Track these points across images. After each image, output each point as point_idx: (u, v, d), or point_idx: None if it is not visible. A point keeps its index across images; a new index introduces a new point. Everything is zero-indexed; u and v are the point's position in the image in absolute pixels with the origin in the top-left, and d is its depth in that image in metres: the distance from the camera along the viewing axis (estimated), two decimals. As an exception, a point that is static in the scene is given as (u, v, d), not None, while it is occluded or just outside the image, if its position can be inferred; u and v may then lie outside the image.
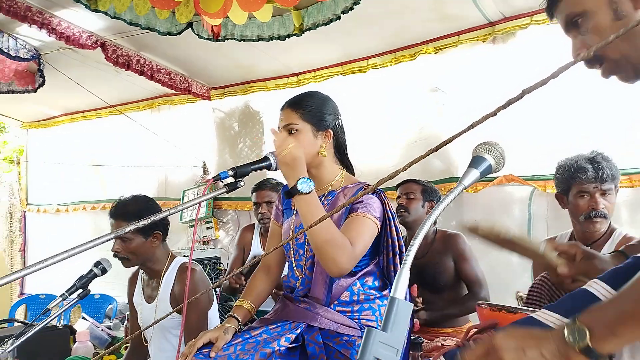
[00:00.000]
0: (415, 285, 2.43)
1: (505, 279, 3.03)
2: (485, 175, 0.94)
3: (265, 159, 1.51)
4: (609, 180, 1.97)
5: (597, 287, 0.85)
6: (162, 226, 2.20)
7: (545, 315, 0.87)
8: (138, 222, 1.11)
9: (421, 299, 2.45)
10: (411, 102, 3.57)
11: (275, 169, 1.52)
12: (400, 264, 1.70)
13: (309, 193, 1.52)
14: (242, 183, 1.42)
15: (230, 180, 1.41)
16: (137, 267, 2.33)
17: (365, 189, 1.69)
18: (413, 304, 2.36)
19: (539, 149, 2.99)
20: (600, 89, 2.83)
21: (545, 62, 2.70)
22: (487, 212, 3.26)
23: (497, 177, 3.15)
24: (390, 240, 1.69)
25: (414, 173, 3.51)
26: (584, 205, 2.01)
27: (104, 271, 1.85)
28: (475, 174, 0.92)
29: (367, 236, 1.62)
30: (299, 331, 1.56)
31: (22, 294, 5.40)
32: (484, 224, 1.16)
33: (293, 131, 1.70)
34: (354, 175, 1.86)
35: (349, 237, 1.56)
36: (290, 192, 1.54)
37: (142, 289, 2.30)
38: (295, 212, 1.79)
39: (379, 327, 0.76)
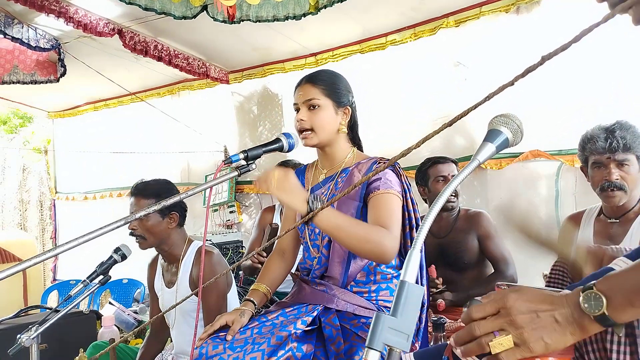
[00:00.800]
0: (433, 266, 2.40)
1: (532, 257, 2.95)
2: (502, 150, 0.89)
3: (277, 140, 1.48)
4: (621, 150, 1.87)
5: (623, 265, 0.80)
6: (180, 209, 2.21)
7: (567, 296, 0.82)
8: (159, 202, 1.14)
9: (441, 279, 2.39)
10: (431, 78, 3.47)
11: (288, 151, 1.49)
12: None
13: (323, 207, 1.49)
14: (253, 166, 1.40)
15: (242, 163, 1.39)
16: (156, 254, 2.35)
17: (379, 162, 1.65)
18: (433, 285, 2.34)
19: (566, 122, 2.88)
20: (631, 58, 2.70)
21: (573, 31, 2.58)
22: (512, 189, 3.17)
23: (523, 152, 3.06)
24: (407, 213, 1.65)
25: (435, 152, 3.45)
26: (598, 176, 1.94)
27: (123, 257, 1.86)
28: (490, 148, 0.87)
29: (397, 212, 1.58)
30: (315, 314, 1.54)
31: (54, 280, 5.55)
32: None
33: (315, 107, 1.66)
34: (362, 151, 1.82)
35: (381, 220, 1.52)
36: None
37: (162, 274, 2.32)
38: (309, 192, 1.76)
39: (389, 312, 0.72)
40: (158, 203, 1.22)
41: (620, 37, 2.64)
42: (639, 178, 1.90)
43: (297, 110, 1.72)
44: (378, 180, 1.60)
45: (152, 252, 2.39)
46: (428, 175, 2.63)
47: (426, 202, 2.75)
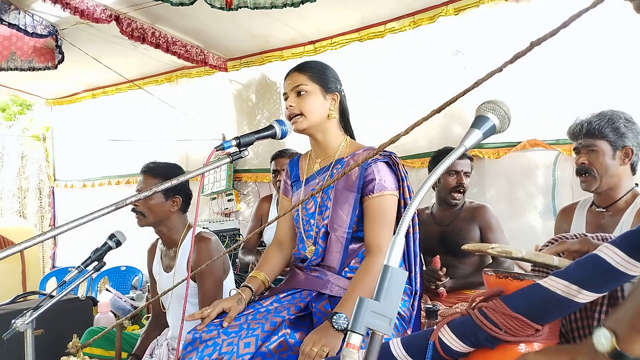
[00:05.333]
0: (438, 257, 2.43)
1: (528, 246, 2.96)
2: (489, 136, 0.89)
3: (270, 127, 1.48)
4: (584, 135, 1.92)
5: (608, 252, 0.80)
6: (184, 195, 2.23)
7: (552, 282, 0.83)
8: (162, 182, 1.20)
9: (445, 270, 2.41)
10: (430, 67, 3.45)
11: (280, 138, 1.49)
12: (412, 226, 1.69)
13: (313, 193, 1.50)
14: (246, 152, 1.39)
15: (235, 149, 1.39)
16: (156, 239, 2.37)
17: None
18: (436, 277, 2.37)
19: (564, 111, 2.86)
20: (631, 47, 2.69)
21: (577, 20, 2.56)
22: (509, 178, 3.17)
23: (520, 142, 3.05)
24: (402, 201, 1.68)
25: (433, 142, 3.44)
26: (575, 162, 1.99)
27: (118, 244, 1.86)
28: (477, 134, 0.87)
29: (391, 214, 1.63)
30: (308, 299, 1.55)
31: (53, 267, 5.57)
32: (497, 247, 1.12)
33: (302, 92, 1.68)
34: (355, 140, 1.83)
35: (375, 235, 1.58)
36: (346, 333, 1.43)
37: (161, 258, 2.34)
38: (303, 183, 1.77)
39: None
40: (158, 185, 1.23)
41: (621, 26, 2.62)
42: (613, 165, 1.91)
43: (287, 98, 1.73)
44: (373, 182, 1.63)
45: (150, 239, 2.41)
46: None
47: (434, 189, 2.76)
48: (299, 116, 1.68)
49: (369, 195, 1.63)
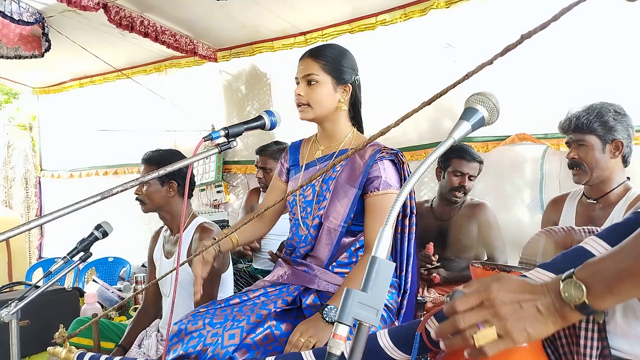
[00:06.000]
0: (431, 243, 2.49)
1: (519, 240, 2.99)
2: (478, 128, 0.88)
3: (259, 118, 1.47)
4: (572, 129, 1.96)
5: (594, 245, 0.80)
6: (180, 179, 2.26)
7: (539, 275, 0.83)
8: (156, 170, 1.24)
9: (437, 256, 2.49)
10: (421, 60, 3.45)
11: (270, 129, 1.48)
12: (409, 226, 1.68)
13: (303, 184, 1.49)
14: (234, 143, 1.38)
15: (223, 140, 1.38)
16: (160, 226, 2.44)
17: (383, 151, 1.65)
18: (428, 261, 2.44)
19: (552, 106, 2.88)
20: (619, 43, 2.70)
21: (565, 15, 2.57)
22: (498, 172, 3.19)
23: (509, 135, 3.07)
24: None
25: (423, 135, 3.45)
26: (567, 156, 2.02)
27: (104, 234, 1.84)
28: (466, 126, 0.86)
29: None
30: (296, 294, 1.55)
31: (40, 257, 5.52)
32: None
33: (313, 82, 1.65)
34: (363, 133, 1.80)
35: (377, 228, 1.52)
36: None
37: (163, 245, 2.38)
38: (303, 168, 1.75)
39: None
40: (148, 174, 1.24)
41: (609, 18, 2.63)
42: (603, 159, 1.93)
43: (298, 83, 1.70)
44: (378, 179, 1.61)
45: (141, 230, 2.41)
46: (450, 163, 2.69)
47: (438, 180, 2.83)
48: (306, 106, 1.66)
49: (373, 192, 1.61)
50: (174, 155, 2.31)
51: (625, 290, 0.71)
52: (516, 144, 3.09)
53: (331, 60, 1.66)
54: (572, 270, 0.74)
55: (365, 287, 0.71)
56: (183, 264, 1.69)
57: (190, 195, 2.33)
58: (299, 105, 1.67)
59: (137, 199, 2.26)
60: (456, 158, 2.66)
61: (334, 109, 1.68)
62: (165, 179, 2.23)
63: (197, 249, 1.58)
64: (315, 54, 1.68)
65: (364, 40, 3.64)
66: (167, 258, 2.30)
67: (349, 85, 1.69)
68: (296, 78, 1.70)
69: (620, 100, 2.02)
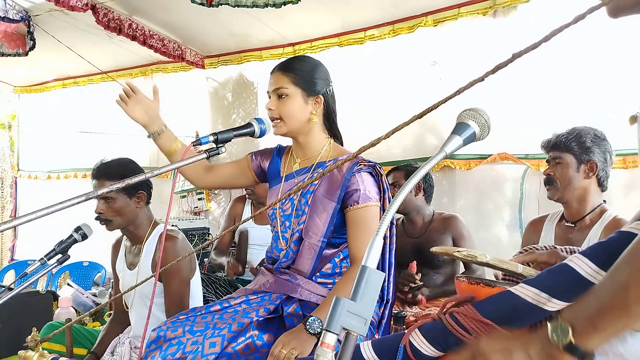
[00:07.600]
0: (414, 262, 2.48)
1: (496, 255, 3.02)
2: (469, 143, 0.90)
3: (249, 125, 1.47)
4: (551, 147, 2.04)
5: (578, 262, 0.82)
6: (147, 187, 2.17)
7: (523, 290, 0.84)
8: (123, 180, 1.13)
9: (420, 275, 2.48)
10: (408, 76, 3.50)
11: (259, 136, 1.48)
12: (389, 236, 1.69)
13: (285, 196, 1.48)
14: (223, 149, 1.38)
15: (212, 145, 1.37)
16: (120, 235, 2.31)
17: (360, 164, 1.64)
18: (411, 280, 2.43)
19: (534, 127, 2.94)
20: (602, 65, 2.77)
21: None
22: (479, 190, 3.23)
23: (491, 154, 3.12)
24: (382, 213, 1.66)
25: (407, 151, 3.48)
26: (544, 172, 2.10)
27: (84, 237, 1.80)
28: (457, 141, 0.88)
29: (376, 224, 1.59)
30: (278, 302, 1.53)
31: (12, 259, 5.39)
32: (463, 251, 1.14)
33: (283, 96, 1.64)
34: (342, 144, 1.80)
35: (359, 246, 1.56)
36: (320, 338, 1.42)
37: (125, 255, 2.28)
38: (283, 179, 1.74)
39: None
40: (122, 182, 1.18)
41: (594, 44, 2.71)
42: (576, 177, 1.99)
43: (270, 97, 1.70)
44: (357, 192, 1.60)
45: (115, 233, 2.35)
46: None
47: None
48: (278, 120, 1.65)
49: (354, 206, 1.60)
50: (132, 164, 2.20)
51: (609, 326, 0.71)
52: (497, 162, 3.14)
53: (300, 73, 1.66)
54: (558, 313, 0.75)
55: (355, 296, 0.71)
56: (147, 279, 1.64)
57: (148, 201, 2.22)
58: (272, 120, 1.67)
59: (99, 218, 2.08)
60: (389, 174, 2.75)
61: (306, 121, 1.67)
62: (132, 190, 2.09)
63: None
64: (284, 67, 1.68)
65: (353, 54, 3.68)
66: (130, 269, 2.21)
67: (321, 96, 1.68)
68: (267, 92, 1.70)
69: (603, 124, 2.08)
